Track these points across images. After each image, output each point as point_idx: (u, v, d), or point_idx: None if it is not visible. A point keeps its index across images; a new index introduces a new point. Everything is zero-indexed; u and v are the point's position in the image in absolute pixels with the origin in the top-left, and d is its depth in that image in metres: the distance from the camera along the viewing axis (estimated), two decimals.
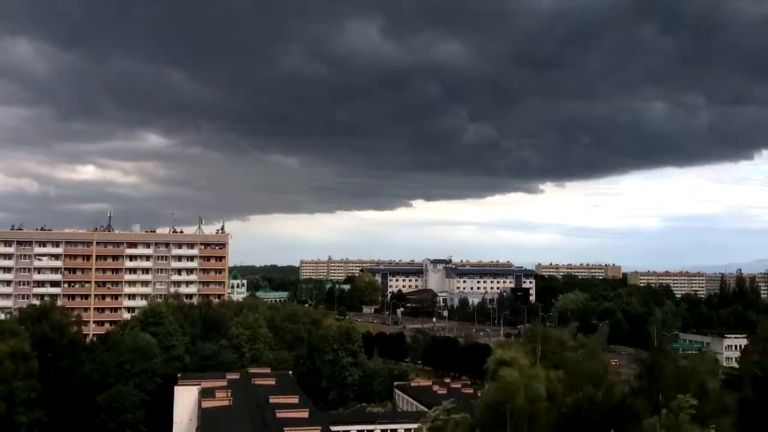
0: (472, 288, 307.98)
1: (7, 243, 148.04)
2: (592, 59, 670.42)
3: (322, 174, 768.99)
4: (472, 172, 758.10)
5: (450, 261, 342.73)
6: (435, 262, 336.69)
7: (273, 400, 61.15)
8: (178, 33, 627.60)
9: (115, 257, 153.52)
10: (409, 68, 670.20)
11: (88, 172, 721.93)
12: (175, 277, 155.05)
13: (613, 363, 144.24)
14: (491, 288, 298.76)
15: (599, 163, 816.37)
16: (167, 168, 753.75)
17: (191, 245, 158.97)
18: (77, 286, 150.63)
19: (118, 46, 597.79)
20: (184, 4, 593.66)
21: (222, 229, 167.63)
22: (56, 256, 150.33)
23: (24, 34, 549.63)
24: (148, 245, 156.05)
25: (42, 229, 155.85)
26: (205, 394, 63.82)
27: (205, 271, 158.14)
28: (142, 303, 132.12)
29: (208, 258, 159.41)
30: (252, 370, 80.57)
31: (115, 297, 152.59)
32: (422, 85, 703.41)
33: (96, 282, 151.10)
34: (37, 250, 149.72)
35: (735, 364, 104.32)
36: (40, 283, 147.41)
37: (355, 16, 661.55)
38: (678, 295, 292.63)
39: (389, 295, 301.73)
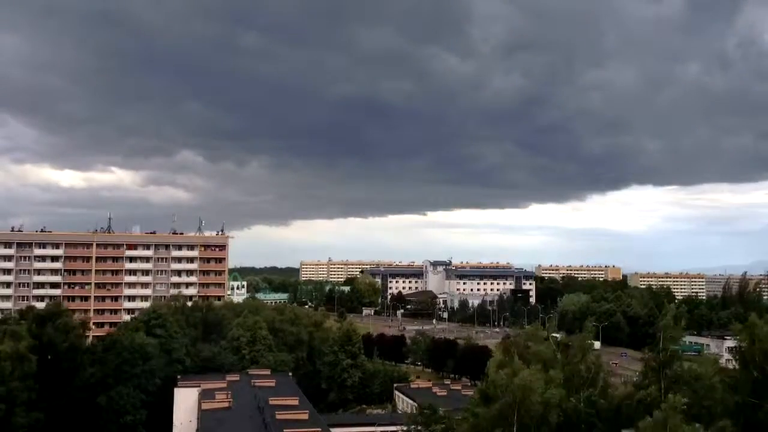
0: (472, 290, 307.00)
1: (7, 245, 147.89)
2: None
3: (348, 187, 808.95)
4: (486, 184, 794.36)
5: (450, 263, 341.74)
6: (435, 263, 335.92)
7: (273, 401, 61.13)
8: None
9: (114, 259, 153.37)
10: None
11: (100, 178, 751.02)
12: (174, 279, 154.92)
13: (614, 364, 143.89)
14: (491, 290, 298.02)
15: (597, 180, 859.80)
16: (199, 179, 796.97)
17: (191, 247, 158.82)
18: (77, 287, 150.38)
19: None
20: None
21: (222, 230, 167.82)
22: (56, 258, 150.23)
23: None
24: (147, 247, 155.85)
25: (42, 230, 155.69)
26: (205, 395, 63.78)
27: (204, 272, 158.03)
28: (142, 304, 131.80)
29: (207, 260, 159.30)
30: (252, 372, 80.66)
31: (115, 299, 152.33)
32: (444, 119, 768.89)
33: (96, 283, 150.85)
34: (37, 251, 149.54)
35: (736, 366, 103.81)
36: (40, 285, 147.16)
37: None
38: (679, 297, 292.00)
39: (389, 297, 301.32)
